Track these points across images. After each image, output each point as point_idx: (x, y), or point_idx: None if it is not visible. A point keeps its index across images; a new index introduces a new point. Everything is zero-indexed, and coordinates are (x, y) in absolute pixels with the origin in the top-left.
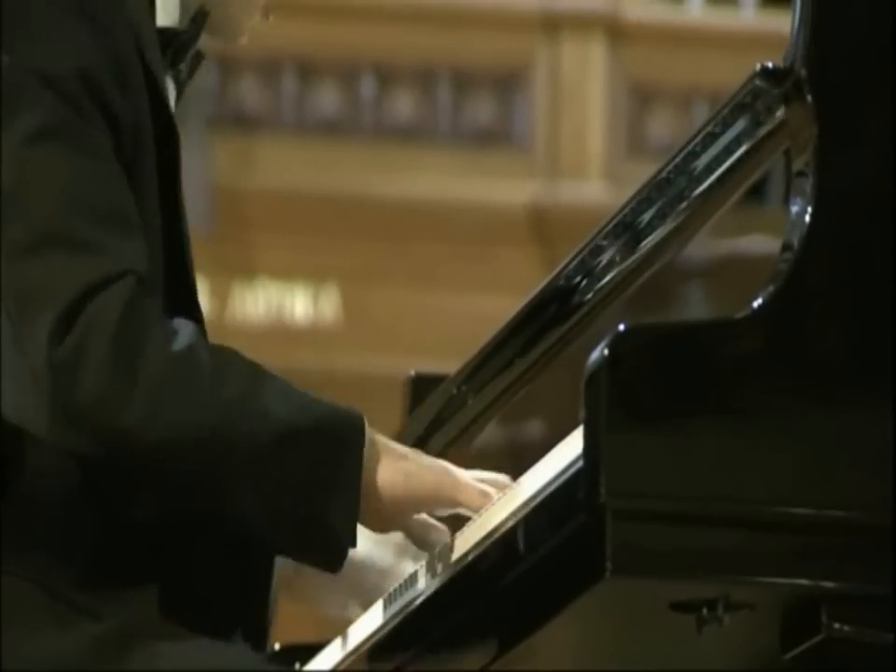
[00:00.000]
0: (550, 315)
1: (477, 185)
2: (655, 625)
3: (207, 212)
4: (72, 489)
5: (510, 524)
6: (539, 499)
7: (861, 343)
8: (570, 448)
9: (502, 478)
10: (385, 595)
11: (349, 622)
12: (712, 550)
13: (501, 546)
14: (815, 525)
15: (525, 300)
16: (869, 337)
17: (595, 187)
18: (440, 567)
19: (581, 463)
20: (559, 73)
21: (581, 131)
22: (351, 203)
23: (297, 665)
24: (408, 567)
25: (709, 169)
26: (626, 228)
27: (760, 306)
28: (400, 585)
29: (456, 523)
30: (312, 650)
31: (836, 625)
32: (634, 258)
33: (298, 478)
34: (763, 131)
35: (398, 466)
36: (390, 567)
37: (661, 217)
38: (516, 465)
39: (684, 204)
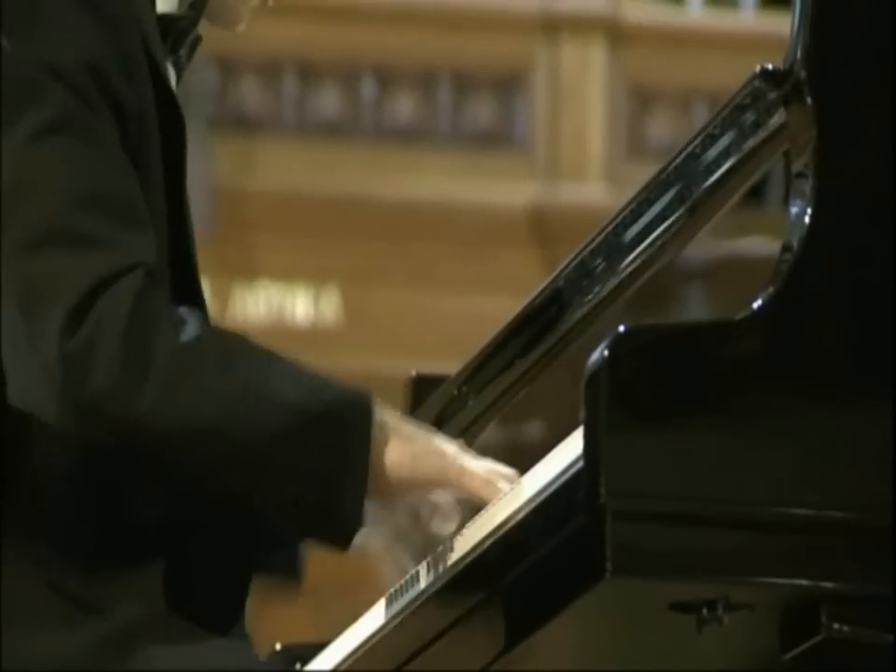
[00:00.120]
0: (550, 315)
1: (477, 186)
2: (655, 625)
3: (208, 213)
4: (77, 483)
5: (510, 524)
6: (539, 500)
7: (861, 343)
8: (570, 449)
9: (510, 472)
10: (387, 594)
11: (350, 622)
12: (712, 550)
13: (502, 546)
14: (814, 525)
15: (526, 300)
16: (868, 337)
17: (595, 188)
18: (441, 567)
19: (581, 463)
20: (559, 74)
21: (581, 132)
22: (352, 205)
23: (297, 665)
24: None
25: (709, 170)
26: (626, 229)
27: (759, 307)
28: (402, 585)
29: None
30: (313, 649)
31: (836, 626)
32: (634, 259)
33: (308, 462)
34: (762, 132)
35: (405, 448)
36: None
37: (661, 218)
38: (517, 465)
39: (684, 206)
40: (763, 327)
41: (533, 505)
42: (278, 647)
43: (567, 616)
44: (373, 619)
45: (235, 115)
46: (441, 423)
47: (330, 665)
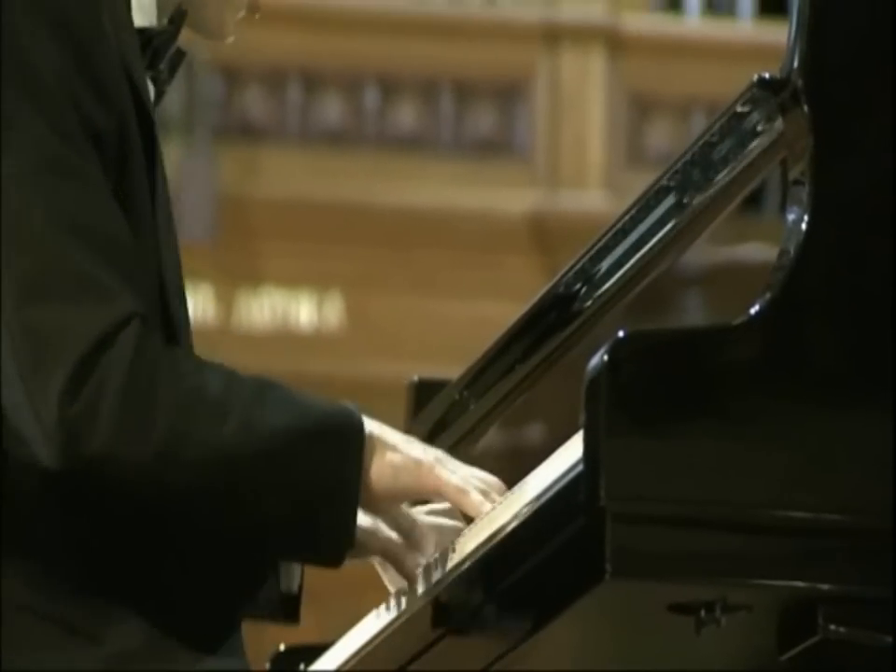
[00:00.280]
0: (550, 321)
1: (479, 194)
2: (654, 626)
3: (213, 220)
4: (69, 510)
5: (511, 526)
6: (540, 502)
7: (857, 347)
8: (571, 452)
9: (492, 479)
10: (390, 595)
11: (353, 623)
12: (710, 553)
13: (503, 548)
14: (812, 528)
15: (526, 306)
16: (865, 342)
17: (595, 195)
18: (443, 569)
19: (581, 467)
20: (559, 83)
21: (581, 140)
22: (355, 212)
23: (301, 667)
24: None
25: (707, 178)
26: (625, 236)
27: (757, 313)
28: (405, 587)
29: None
30: (315, 651)
31: (832, 627)
32: (633, 265)
33: (302, 486)
34: (760, 140)
35: (385, 458)
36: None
37: (659, 225)
38: (517, 469)
39: (683, 213)
40: (760, 332)
41: (534, 507)
42: (282, 648)
43: (568, 617)
44: (376, 620)
45: (240, 123)
46: (442, 427)
47: (334, 666)
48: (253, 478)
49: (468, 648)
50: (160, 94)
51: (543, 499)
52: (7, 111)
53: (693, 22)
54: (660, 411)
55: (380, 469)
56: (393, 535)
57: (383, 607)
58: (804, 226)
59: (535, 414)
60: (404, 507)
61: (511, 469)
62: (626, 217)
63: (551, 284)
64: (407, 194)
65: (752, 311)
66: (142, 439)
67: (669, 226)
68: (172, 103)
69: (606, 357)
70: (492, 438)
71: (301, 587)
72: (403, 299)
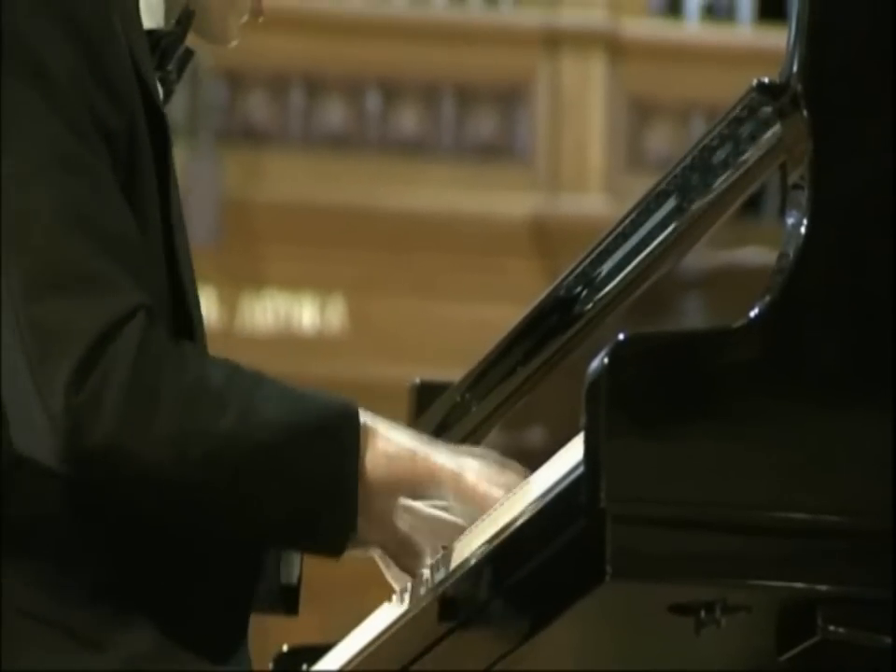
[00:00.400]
0: (551, 324)
1: (480, 197)
2: (654, 627)
3: (216, 224)
4: (78, 516)
5: (513, 527)
6: (541, 504)
7: (856, 349)
8: (571, 454)
9: (491, 456)
10: (392, 596)
11: (356, 624)
12: (710, 554)
13: (505, 549)
14: (811, 529)
15: (527, 309)
16: (864, 344)
17: (595, 199)
18: (445, 570)
19: (581, 469)
20: (560, 88)
21: (582, 144)
22: (357, 215)
23: (304, 667)
24: None
25: (707, 182)
26: (626, 239)
27: (756, 316)
28: (407, 587)
29: None
30: (318, 651)
31: (831, 628)
32: (633, 268)
33: (301, 478)
34: (759, 144)
35: (378, 448)
36: None
37: (659, 228)
38: None
39: (682, 216)
40: (759, 334)
41: (535, 509)
42: (285, 648)
43: (569, 617)
44: (379, 620)
45: (243, 127)
46: (444, 429)
47: (336, 666)
48: (253, 469)
49: (469, 648)
50: (168, 94)
51: (544, 501)
52: (20, 109)
53: (693, 27)
54: (660, 413)
55: (374, 460)
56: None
57: (385, 606)
58: (803, 229)
59: (536, 416)
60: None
61: None
62: (627, 221)
63: (552, 287)
64: (409, 198)
65: (752, 314)
66: (144, 430)
67: (669, 229)
68: (176, 107)
69: (606, 360)
70: (493, 440)
71: (300, 579)
72: (405, 302)
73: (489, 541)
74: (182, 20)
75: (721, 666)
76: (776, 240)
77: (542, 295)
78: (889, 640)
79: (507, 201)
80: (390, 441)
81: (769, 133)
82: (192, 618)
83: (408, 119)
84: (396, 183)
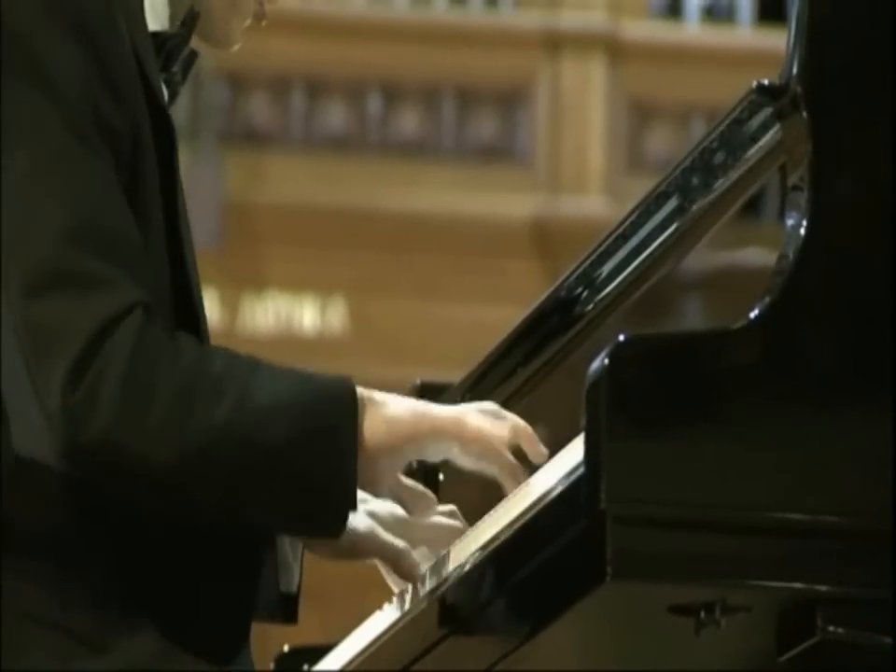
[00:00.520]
0: (552, 325)
1: (480, 199)
2: (655, 627)
3: (218, 226)
4: (82, 519)
5: (514, 528)
6: (541, 505)
7: (855, 351)
8: (572, 455)
9: (488, 405)
10: (393, 596)
11: (357, 624)
12: (709, 554)
13: (506, 549)
14: (810, 530)
15: (528, 310)
16: (863, 345)
17: (596, 201)
18: (446, 570)
19: (582, 469)
20: (560, 90)
21: (582, 146)
22: (358, 217)
23: (305, 667)
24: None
25: (707, 183)
26: (626, 241)
27: (756, 317)
28: (408, 587)
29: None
30: (319, 651)
31: (831, 628)
32: (634, 270)
33: (297, 459)
34: (759, 146)
35: (377, 414)
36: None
37: (660, 230)
38: None
39: (682, 218)
40: (759, 335)
41: (536, 510)
42: (286, 649)
43: (570, 618)
44: (380, 621)
45: (245, 129)
46: None
47: (337, 666)
48: (248, 456)
49: (470, 648)
50: (173, 96)
51: (545, 502)
52: (21, 109)
53: (693, 29)
54: (660, 414)
55: (373, 426)
56: (389, 537)
57: (386, 607)
58: (802, 231)
59: (536, 417)
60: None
61: None
62: (627, 223)
63: (552, 288)
64: (409, 199)
65: (752, 315)
66: (141, 424)
67: (670, 231)
68: (178, 109)
69: (606, 361)
70: None
71: (299, 587)
72: (406, 303)
73: (490, 542)
74: (187, 21)
75: (720, 666)
76: (775, 241)
77: (543, 296)
78: (888, 640)
79: (507, 202)
80: (387, 405)
81: (769, 135)
82: (195, 620)
83: (409, 121)
84: (397, 185)
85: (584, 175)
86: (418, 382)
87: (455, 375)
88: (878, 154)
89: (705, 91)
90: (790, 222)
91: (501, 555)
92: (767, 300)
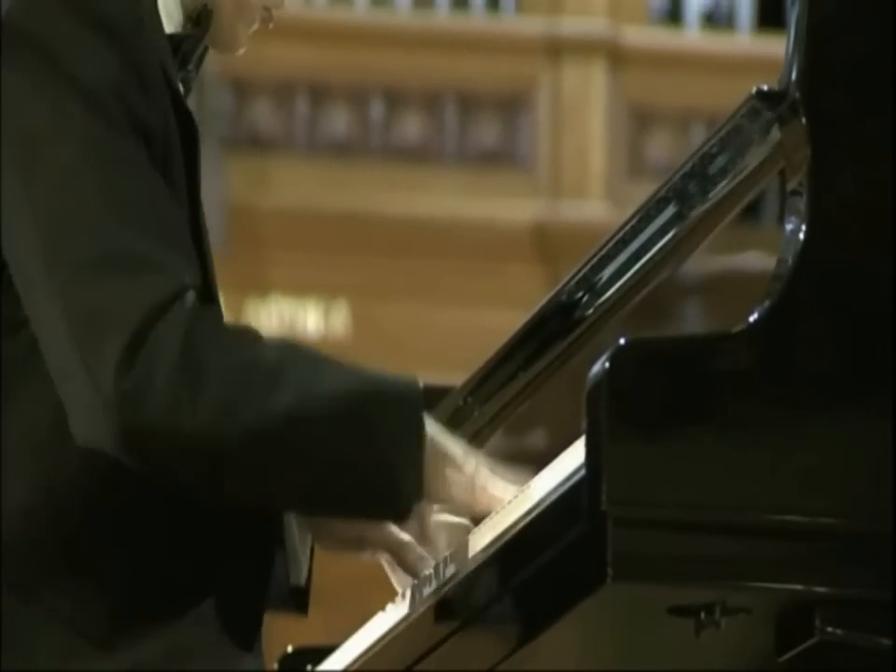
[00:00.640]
0: (553, 329)
1: (482, 204)
2: (655, 628)
3: (222, 230)
4: (84, 508)
5: (516, 529)
6: (543, 507)
7: (854, 354)
8: (573, 457)
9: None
10: (397, 596)
11: (361, 625)
12: (709, 556)
13: (508, 551)
14: (809, 532)
15: (529, 314)
16: (861, 349)
17: (596, 205)
18: (449, 571)
19: (583, 472)
20: (561, 96)
21: (583, 152)
22: (360, 221)
23: (308, 667)
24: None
25: (706, 189)
26: (626, 245)
27: (755, 321)
28: (411, 588)
29: None
30: (323, 652)
31: (829, 629)
32: (634, 274)
33: (366, 447)
34: (758, 151)
35: (442, 470)
36: None
37: (659, 234)
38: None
39: (682, 223)
40: (758, 339)
41: (538, 512)
42: (290, 649)
43: (571, 619)
44: (383, 621)
45: (249, 135)
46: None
47: (341, 666)
48: (304, 448)
49: (472, 648)
50: (187, 92)
51: (546, 504)
52: (59, 108)
53: (693, 36)
54: (660, 416)
55: (435, 478)
56: (395, 530)
57: (389, 607)
58: (801, 235)
59: (537, 420)
60: None
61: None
62: (627, 227)
63: (553, 292)
64: (412, 204)
65: (751, 319)
66: (193, 408)
67: (669, 235)
68: None
69: (607, 365)
70: (495, 443)
71: (309, 579)
72: (408, 307)
73: (492, 544)
74: (201, 20)
75: (720, 667)
76: (774, 245)
77: (544, 300)
78: (886, 641)
79: (509, 207)
80: (454, 466)
81: (768, 140)
82: (205, 619)
83: (411, 127)
84: (399, 189)
85: (585, 180)
86: (420, 385)
87: (456, 378)
88: (876, 159)
89: (704, 97)
90: (788, 227)
91: (503, 557)
92: (766, 304)
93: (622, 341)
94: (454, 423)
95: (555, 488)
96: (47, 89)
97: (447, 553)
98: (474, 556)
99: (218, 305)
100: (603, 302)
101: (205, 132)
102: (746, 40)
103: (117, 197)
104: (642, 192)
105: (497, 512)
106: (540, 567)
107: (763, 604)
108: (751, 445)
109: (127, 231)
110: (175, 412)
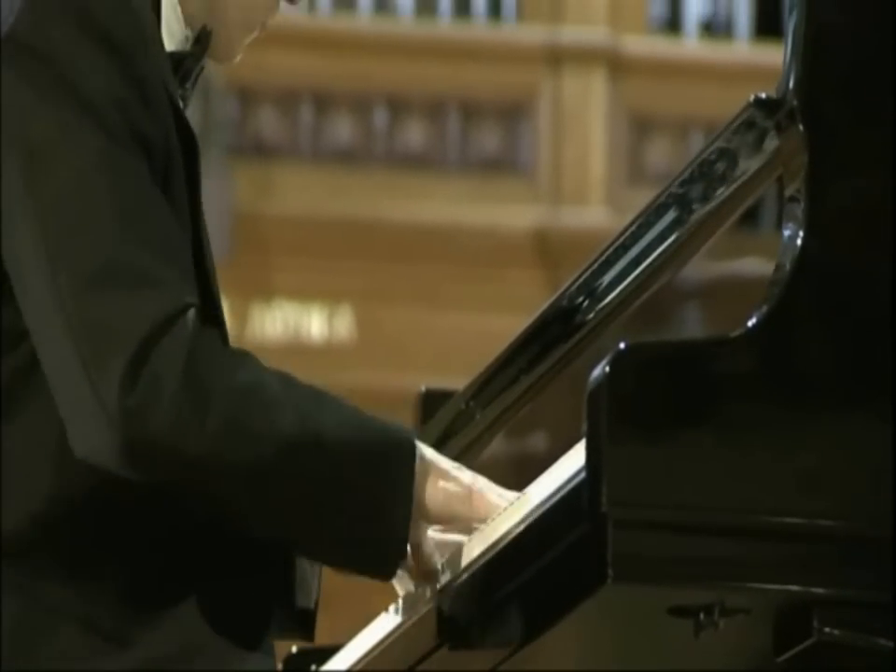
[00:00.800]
0: (554, 333)
1: (484, 210)
2: (655, 628)
3: (228, 236)
4: (96, 507)
5: (516, 532)
6: (544, 509)
7: (852, 359)
8: (573, 460)
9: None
10: (399, 598)
11: (364, 626)
12: (708, 558)
13: (509, 552)
14: (807, 533)
15: (530, 319)
16: (859, 353)
17: (597, 212)
18: (451, 573)
19: (583, 474)
20: (562, 104)
21: (583, 158)
22: (364, 228)
23: (312, 667)
24: None
25: (705, 195)
26: (626, 251)
27: (754, 325)
28: (413, 589)
29: None
30: (327, 652)
31: (827, 630)
32: (634, 279)
33: (356, 498)
34: (756, 158)
35: (438, 483)
36: None
37: (659, 240)
38: (522, 476)
39: (681, 228)
40: (757, 343)
41: (538, 514)
42: (294, 649)
43: (571, 619)
44: (386, 622)
45: (254, 143)
46: (449, 435)
47: (345, 666)
48: (305, 475)
49: (476, 648)
50: (184, 108)
51: (547, 506)
52: (61, 123)
53: (692, 44)
54: (660, 420)
55: (433, 493)
56: None
57: (392, 609)
58: (799, 241)
59: (539, 424)
60: None
61: (516, 477)
62: (627, 233)
63: (554, 297)
64: (415, 211)
65: (749, 323)
66: (198, 426)
67: (669, 241)
68: None
69: (607, 369)
70: (497, 446)
71: (317, 602)
72: (411, 312)
73: (493, 546)
74: (202, 38)
75: (719, 667)
76: (773, 251)
77: (545, 305)
78: (884, 642)
79: (510, 213)
80: (449, 479)
81: (766, 147)
82: (218, 616)
83: (414, 134)
84: (402, 196)
85: (585, 187)
86: (423, 389)
87: (459, 382)
88: (873, 166)
89: (703, 105)
90: (786, 233)
91: (504, 558)
92: (764, 308)
93: (622, 345)
94: (456, 427)
95: (556, 490)
96: (51, 102)
97: (443, 561)
98: (476, 558)
99: (222, 324)
100: (603, 307)
101: (211, 140)
102: (744, 49)
103: (119, 211)
104: (642, 198)
105: (494, 519)
106: (541, 568)
107: (762, 605)
108: (751, 448)
109: (132, 247)
110: (179, 429)
